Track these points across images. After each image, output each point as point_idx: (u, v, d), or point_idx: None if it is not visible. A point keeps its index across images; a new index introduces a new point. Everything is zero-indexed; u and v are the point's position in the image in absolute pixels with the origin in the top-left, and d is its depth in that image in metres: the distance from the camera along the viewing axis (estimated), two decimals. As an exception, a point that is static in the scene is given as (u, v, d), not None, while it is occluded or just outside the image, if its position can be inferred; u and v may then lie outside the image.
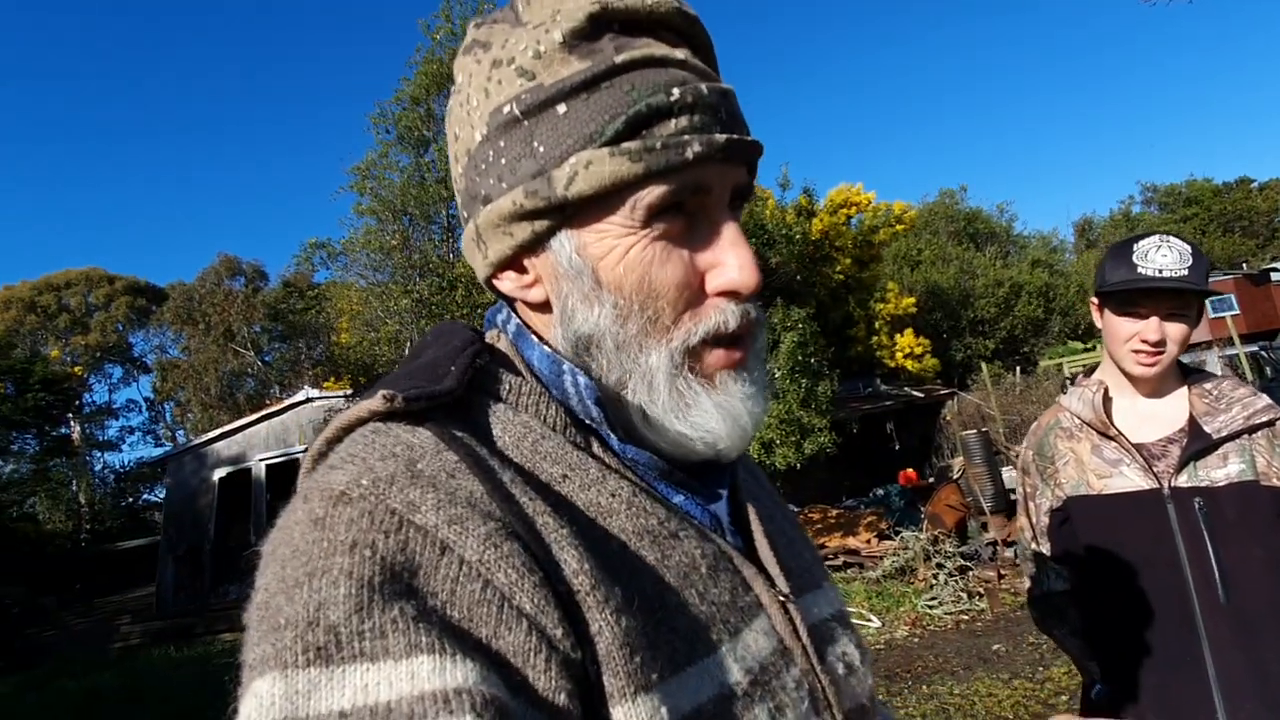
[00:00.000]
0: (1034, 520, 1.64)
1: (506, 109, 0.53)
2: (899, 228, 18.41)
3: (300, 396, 15.07)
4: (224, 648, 10.70)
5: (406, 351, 12.64)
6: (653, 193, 0.51)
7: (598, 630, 0.45)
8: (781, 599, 0.57)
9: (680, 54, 0.53)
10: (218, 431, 15.40)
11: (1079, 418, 1.55)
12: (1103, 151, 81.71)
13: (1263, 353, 12.89)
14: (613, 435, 0.55)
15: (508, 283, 0.59)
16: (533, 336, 0.58)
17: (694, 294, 0.54)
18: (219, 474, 14.73)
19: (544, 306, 0.58)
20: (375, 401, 0.50)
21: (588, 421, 0.55)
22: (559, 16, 0.52)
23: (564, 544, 0.46)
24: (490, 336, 0.62)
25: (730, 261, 0.54)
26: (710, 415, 0.54)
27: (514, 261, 0.57)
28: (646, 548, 0.51)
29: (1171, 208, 35.64)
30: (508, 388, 0.56)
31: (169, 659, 10.49)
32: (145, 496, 32.35)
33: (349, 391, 13.64)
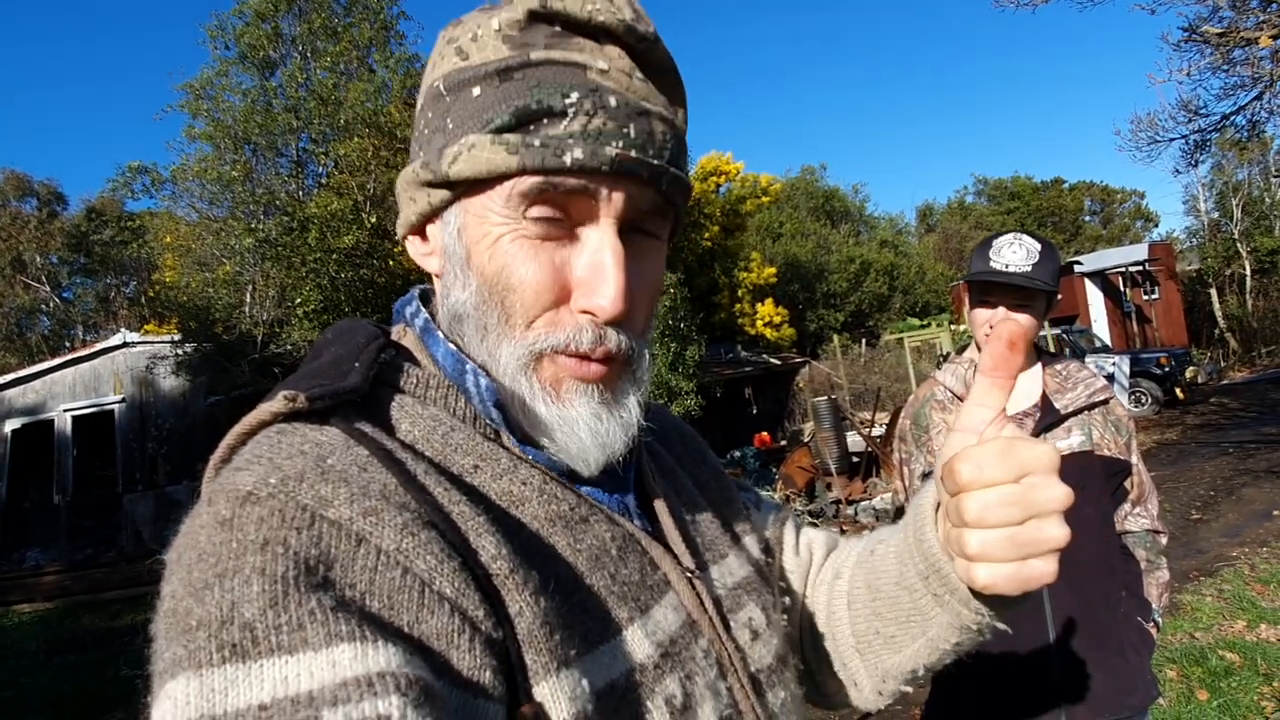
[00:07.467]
0: (908, 483, 1.83)
1: (438, 83, 0.55)
2: (764, 200, 19.06)
3: (116, 340, 13.43)
4: (19, 620, 9.45)
5: (248, 296, 11.56)
6: (522, 183, 0.50)
7: (518, 611, 0.46)
8: (689, 575, 0.59)
9: (603, 64, 0.52)
10: (10, 377, 13.45)
11: (951, 391, 1.74)
12: (945, 142, 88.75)
13: (1064, 335, 14.60)
14: (512, 437, 0.56)
15: (413, 246, 0.60)
16: (439, 333, 0.59)
17: (555, 302, 0.53)
18: (11, 425, 12.92)
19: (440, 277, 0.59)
20: (277, 403, 0.49)
21: (489, 422, 0.55)
22: (508, 7, 0.53)
23: (480, 531, 0.47)
24: (396, 332, 0.62)
25: (594, 282, 0.52)
26: (551, 428, 0.54)
27: (420, 228, 0.59)
28: (559, 533, 0.53)
29: (998, 200, 39.48)
30: (415, 381, 0.56)
31: (-53, 635, 9.12)
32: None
33: (177, 336, 12.29)
